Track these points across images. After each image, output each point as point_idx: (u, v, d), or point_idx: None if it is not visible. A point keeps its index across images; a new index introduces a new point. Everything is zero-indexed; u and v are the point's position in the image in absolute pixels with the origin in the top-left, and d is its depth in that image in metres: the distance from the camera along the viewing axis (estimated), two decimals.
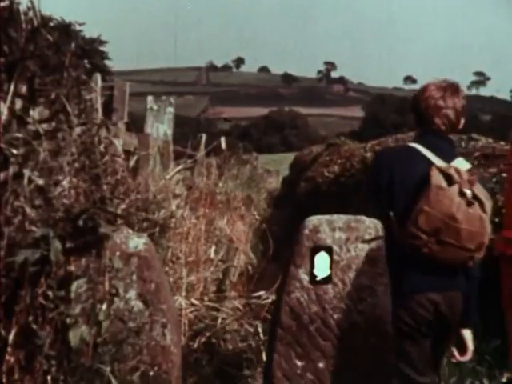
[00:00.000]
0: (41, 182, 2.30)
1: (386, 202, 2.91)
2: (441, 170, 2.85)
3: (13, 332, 2.22)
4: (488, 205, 2.89)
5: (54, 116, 2.52)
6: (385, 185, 2.93)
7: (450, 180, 2.83)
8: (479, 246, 2.84)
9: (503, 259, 2.05)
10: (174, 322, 2.67)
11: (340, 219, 2.82)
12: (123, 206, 3.26)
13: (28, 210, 2.26)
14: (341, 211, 2.97)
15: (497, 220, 3.24)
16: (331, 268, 2.74)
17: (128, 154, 5.06)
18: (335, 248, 2.76)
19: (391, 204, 2.89)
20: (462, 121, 3.08)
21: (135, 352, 2.54)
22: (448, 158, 2.96)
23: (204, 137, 10.08)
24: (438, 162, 2.92)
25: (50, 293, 2.26)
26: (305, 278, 2.75)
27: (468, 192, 2.82)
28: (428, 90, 3.05)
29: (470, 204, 2.82)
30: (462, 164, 3.00)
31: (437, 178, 2.82)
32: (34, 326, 2.24)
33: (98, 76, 6.31)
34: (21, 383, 2.23)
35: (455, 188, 2.81)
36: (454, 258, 2.80)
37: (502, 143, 6.87)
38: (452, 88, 3.05)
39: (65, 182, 2.40)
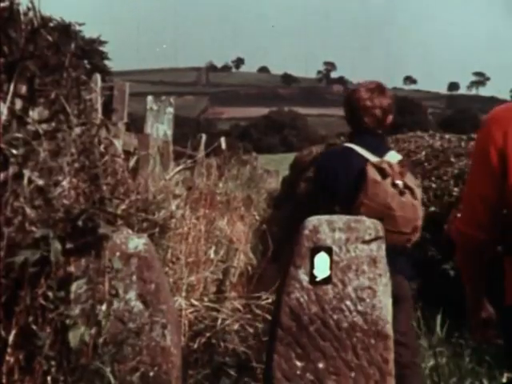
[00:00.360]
0: (41, 182, 2.30)
1: (331, 198, 3.25)
2: (375, 166, 3.20)
3: (13, 332, 2.22)
4: (418, 192, 3.26)
5: (53, 116, 2.51)
6: (329, 183, 3.28)
7: (383, 174, 3.18)
8: (414, 229, 3.20)
9: (507, 260, 2.07)
10: (173, 322, 2.66)
11: (340, 220, 2.82)
12: (123, 207, 3.26)
13: (28, 210, 2.26)
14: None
15: None
16: (331, 268, 2.74)
17: (128, 154, 5.06)
18: (335, 248, 2.76)
19: (336, 199, 3.22)
20: (390, 117, 3.42)
21: (135, 352, 2.54)
22: (381, 153, 3.31)
23: (204, 137, 10.08)
24: (372, 158, 3.26)
25: (49, 293, 2.26)
26: (304, 278, 2.75)
27: (400, 183, 3.17)
28: (357, 92, 3.40)
29: (402, 193, 3.17)
30: (393, 157, 3.34)
31: (372, 173, 3.17)
32: (34, 327, 2.24)
33: (98, 76, 6.31)
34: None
35: (388, 180, 3.16)
36: (394, 242, 3.07)
37: None
38: (379, 89, 3.40)
39: (65, 183, 2.40)
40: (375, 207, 3.13)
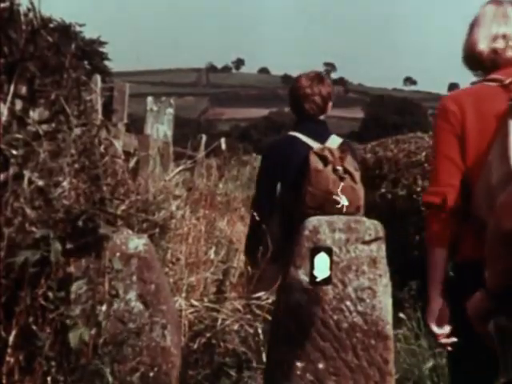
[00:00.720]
0: (41, 182, 2.31)
1: (276, 186, 3.57)
2: (317, 154, 3.45)
3: (13, 333, 2.22)
4: (357, 175, 3.52)
5: (53, 117, 2.52)
6: (276, 171, 3.57)
7: (325, 161, 3.44)
8: (357, 209, 3.49)
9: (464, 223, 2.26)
10: (173, 323, 2.67)
11: (340, 220, 2.82)
12: (123, 207, 3.26)
13: (28, 210, 2.26)
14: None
15: None
16: (331, 269, 2.74)
17: (128, 155, 5.06)
18: (335, 249, 2.76)
19: (285, 187, 3.54)
20: (330, 105, 3.72)
21: (135, 353, 2.54)
22: (323, 139, 3.60)
23: (204, 138, 10.09)
24: (314, 144, 3.55)
25: (50, 294, 2.26)
26: (304, 279, 2.75)
27: (340, 169, 3.45)
28: (299, 81, 3.70)
29: (342, 179, 3.45)
30: (334, 141, 3.65)
31: (314, 162, 3.43)
32: (34, 327, 2.24)
33: (98, 77, 6.31)
34: None
35: (329, 167, 3.43)
36: None
37: None
38: (318, 78, 3.71)
39: (65, 183, 2.40)
40: (318, 194, 3.42)
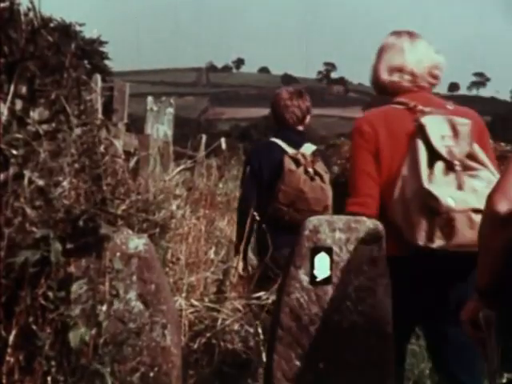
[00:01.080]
0: (41, 182, 2.30)
1: (257, 184, 4.01)
2: (291, 157, 3.94)
3: (13, 333, 2.22)
4: (326, 177, 3.99)
5: (54, 117, 2.51)
6: (257, 172, 4.02)
7: (297, 163, 3.92)
8: (325, 208, 3.94)
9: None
10: (174, 322, 2.67)
11: (340, 220, 2.82)
12: (123, 207, 3.26)
13: (28, 210, 2.26)
14: (341, 212, 3.00)
15: None
16: (331, 269, 2.74)
17: (128, 154, 5.06)
18: (335, 249, 2.76)
19: (263, 186, 3.98)
20: (308, 117, 4.17)
21: (135, 353, 2.54)
22: (298, 146, 4.08)
23: (204, 137, 10.10)
24: (290, 150, 4.03)
25: (50, 294, 2.26)
26: (305, 278, 2.75)
27: (310, 170, 3.92)
28: (280, 94, 4.18)
29: (312, 179, 3.90)
30: (308, 148, 4.12)
31: (288, 163, 3.90)
32: (34, 327, 2.24)
33: (98, 77, 6.32)
34: None
35: (301, 169, 3.90)
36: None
37: (503, 144, 6.87)
38: (297, 93, 4.18)
39: (65, 183, 2.40)
40: (290, 192, 3.88)
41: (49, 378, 2.27)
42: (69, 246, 2.28)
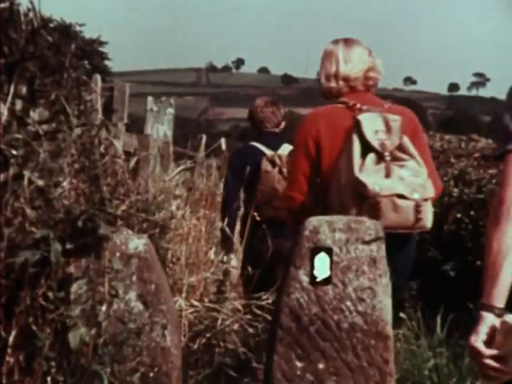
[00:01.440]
0: (41, 183, 2.30)
1: (239, 183, 4.32)
2: (268, 159, 4.32)
3: (13, 333, 2.22)
4: None
5: (54, 117, 2.51)
6: (238, 174, 4.33)
7: (273, 164, 4.30)
8: None
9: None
10: (174, 323, 2.66)
11: (340, 220, 2.82)
12: (123, 207, 3.26)
13: (28, 211, 2.26)
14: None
15: None
16: (331, 269, 2.74)
17: (128, 155, 5.06)
18: (335, 249, 2.76)
19: (244, 185, 4.31)
20: (283, 123, 4.55)
21: (135, 353, 2.54)
22: (276, 148, 4.41)
23: (204, 138, 10.10)
24: (268, 152, 4.38)
25: (49, 294, 2.26)
26: (305, 279, 2.75)
27: (285, 170, 4.23)
28: (256, 103, 4.57)
29: (286, 178, 4.03)
30: (285, 149, 4.40)
31: (265, 165, 4.30)
32: (34, 328, 2.24)
33: (98, 77, 6.31)
34: None
35: (276, 169, 4.28)
36: (282, 216, 3.65)
37: None
38: (272, 101, 4.59)
39: (65, 183, 2.40)
40: (266, 191, 4.24)
41: (48, 379, 2.27)
42: (68, 246, 2.28)
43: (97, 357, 2.35)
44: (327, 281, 2.74)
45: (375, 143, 2.85)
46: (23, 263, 2.19)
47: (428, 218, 2.88)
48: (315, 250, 2.75)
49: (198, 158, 8.19)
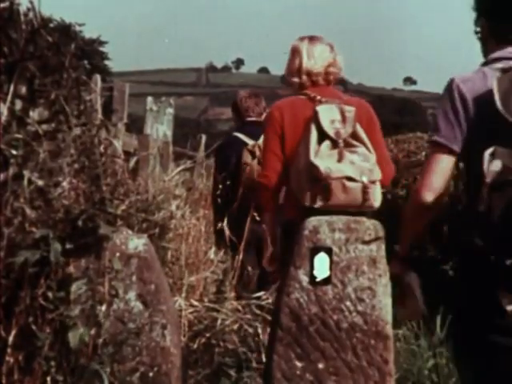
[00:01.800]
0: (40, 182, 2.30)
1: (225, 172, 4.47)
2: (248, 150, 4.47)
3: (12, 333, 2.22)
4: None
5: (53, 117, 2.51)
6: (223, 164, 4.55)
7: (253, 155, 4.44)
8: None
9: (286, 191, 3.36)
10: (173, 322, 2.67)
11: (340, 220, 2.82)
12: (123, 207, 3.26)
13: (28, 210, 2.26)
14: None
15: None
16: (331, 269, 2.75)
17: (128, 154, 5.06)
18: (335, 249, 2.76)
19: (229, 176, 4.45)
20: (264, 114, 4.54)
21: (135, 353, 2.54)
22: (257, 137, 4.37)
23: (204, 138, 10.09)
24: (250, 142, 4.51)
25: (49, 294, 2.26)
26: (304, 278, 2.75)
27: None
28: (239, 95, 4.80)
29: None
30: None
31: (245, 157, 4.46)
32: (34, 327, 2.24)
33: (98, 77, 6.31)
34: None
35: (256, 160, 4.39)
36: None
37: None
38: (255, 94, 4.84)
39: (64, 183, 2.40)
40: (247, 182, 4.37)
41: (48, 378, 2.27)
42: (68, 246, 2.28)
43: (96, 356, 2.35)
44: (327, 281, 2.74)
45: (331, 131, 3.12)
46: (23, 263, 2.18)
47: (376, 199, 3.10)
48: (315, 250, 2.75)
49: (198, 158, 8.18)
